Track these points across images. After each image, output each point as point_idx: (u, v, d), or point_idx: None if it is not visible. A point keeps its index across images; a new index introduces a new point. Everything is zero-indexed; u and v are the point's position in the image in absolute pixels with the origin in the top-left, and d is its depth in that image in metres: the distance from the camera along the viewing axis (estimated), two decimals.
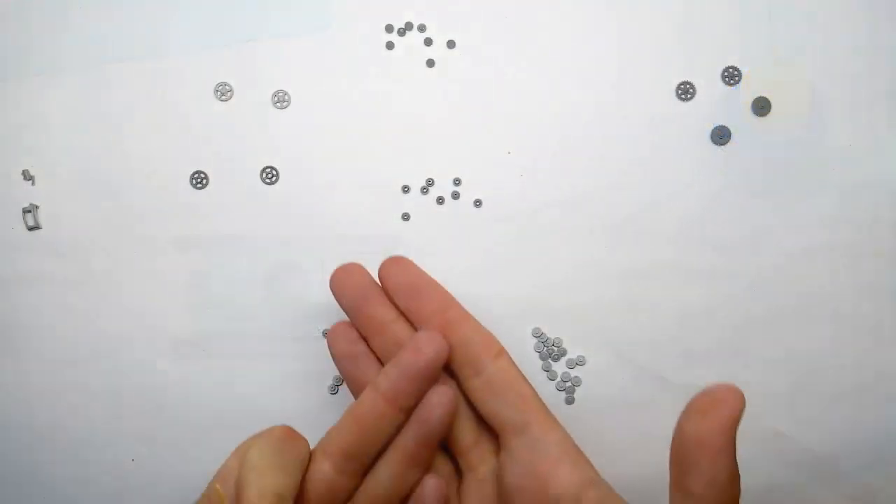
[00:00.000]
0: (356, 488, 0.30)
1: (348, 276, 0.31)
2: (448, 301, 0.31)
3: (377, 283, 0.32)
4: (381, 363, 0.32)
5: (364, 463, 0.30)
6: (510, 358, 0.31)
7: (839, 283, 0.38)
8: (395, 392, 0.29)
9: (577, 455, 0.30)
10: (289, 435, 0.29)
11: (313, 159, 0.38)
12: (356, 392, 0.33)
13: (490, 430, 0.31)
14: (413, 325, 0.32)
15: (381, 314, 0.31)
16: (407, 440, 0.30)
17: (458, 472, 0.32)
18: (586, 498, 0.28)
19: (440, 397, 0.29)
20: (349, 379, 0.33)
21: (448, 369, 0.31)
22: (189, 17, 0.38)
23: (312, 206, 0.38)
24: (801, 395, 0.37)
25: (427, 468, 0.31)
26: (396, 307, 0.32)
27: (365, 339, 0.32)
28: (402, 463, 0.30)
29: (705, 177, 0.38)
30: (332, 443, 0.30)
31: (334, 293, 0.32)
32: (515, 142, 0.38)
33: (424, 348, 0.29)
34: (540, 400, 0.31)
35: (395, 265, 0.31)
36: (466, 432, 0.31)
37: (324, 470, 0.30)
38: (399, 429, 0.30)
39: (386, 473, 0.30)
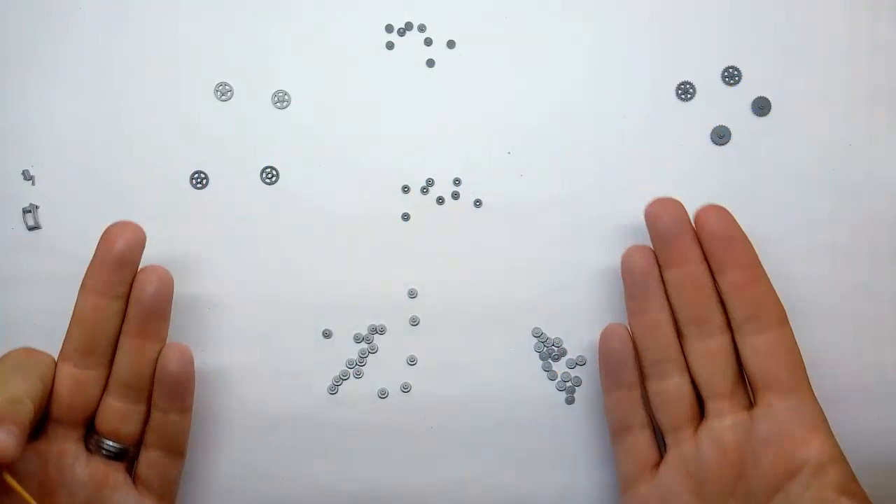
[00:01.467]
0: (106, 378, 0.33)
1: (667, 206, 0.33)
2: (755, 260, 0.33)
3: (691, 223, 0.33)
4: (667, 295, 0.33)
5: (103, 353, 0.33)
6: (792, 332, 0.33)
7: (839, 283, 0.38)
8: (101, 284, 0.32)
9: (831, 433, 0.31)
10: (27, 351, 0.32)
11: (313, 159, 0.38)
12: (633, 314, 0.34)
13: (744, 388, 0.33)
14: (712, 272, 0.33)
15: (688, 250, 0.33)
16: (133, 320, 0.32)
17: (700, 416, 0.34)
18: (832, 471, 0.30)
19: (149, 273, 0.32)
20: (633, 296, 0.34)
21: (732, 322, 0.33)
22: (189, 17, 0.38)
23: (312, 206, 0.38)
24: None
25: (163, 340, 0.33)
26: (701, 250, 0.33)
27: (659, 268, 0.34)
28: (135, 341, 0.32)
29: (705, 177, 0.38)
30: (66, 347, 0.33)
31: (649, 219, 0.33)
32: (515, 142, 0.38)
33: (115, 239, 0.32)
34: (808, 378, 0.32)
35: (714, 211, 0.33)
36: (726, 381, 0.33)
37: (66, 370, 0.32)
38: (124, 316, 0.33)
39: (125, 354, 0.33)
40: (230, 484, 0.38)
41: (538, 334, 0.38)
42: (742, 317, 0.32)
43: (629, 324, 0.34)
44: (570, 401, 0.38)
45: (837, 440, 0.31)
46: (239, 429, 0.38)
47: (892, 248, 0.37)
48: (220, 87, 0.38)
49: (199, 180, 0.38)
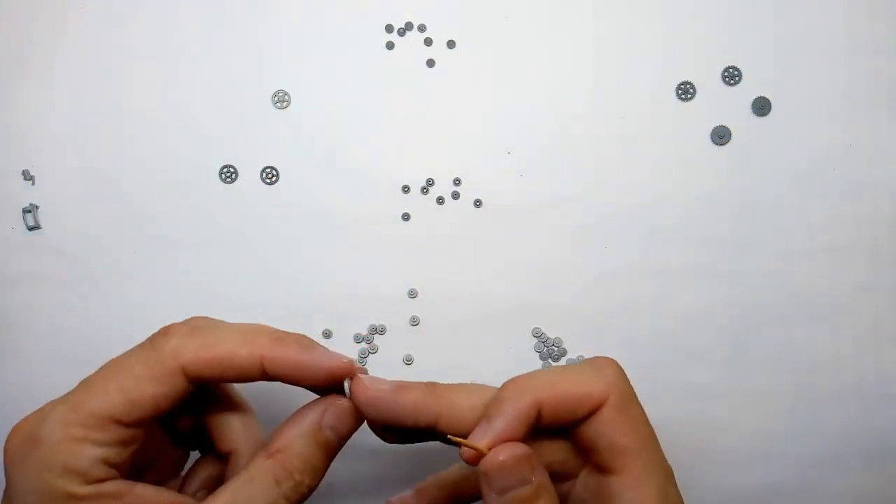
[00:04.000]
0: None
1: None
2: None
3: None
4: None
5: None
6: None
7: (838, 283, 0.38)
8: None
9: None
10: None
11: (313, 159, 0.38)
12: None
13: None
14: None
15: None
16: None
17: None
18: None
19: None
20: None
21: None
22: (189, 17, 0.38)
23: (312, 206, 0.38)
24: (801, 395, 0.37)
25: None
26: None
27: None
28: None
29: (705, 177, 0.38)
30: None
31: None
32: (515, 142, 0.38)
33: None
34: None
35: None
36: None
37: None
38: None
39: None
40: None
41: (538, 334, 0.38)
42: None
43: None
44: None
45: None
46: None
47: (892, 248, 0.37)
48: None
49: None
